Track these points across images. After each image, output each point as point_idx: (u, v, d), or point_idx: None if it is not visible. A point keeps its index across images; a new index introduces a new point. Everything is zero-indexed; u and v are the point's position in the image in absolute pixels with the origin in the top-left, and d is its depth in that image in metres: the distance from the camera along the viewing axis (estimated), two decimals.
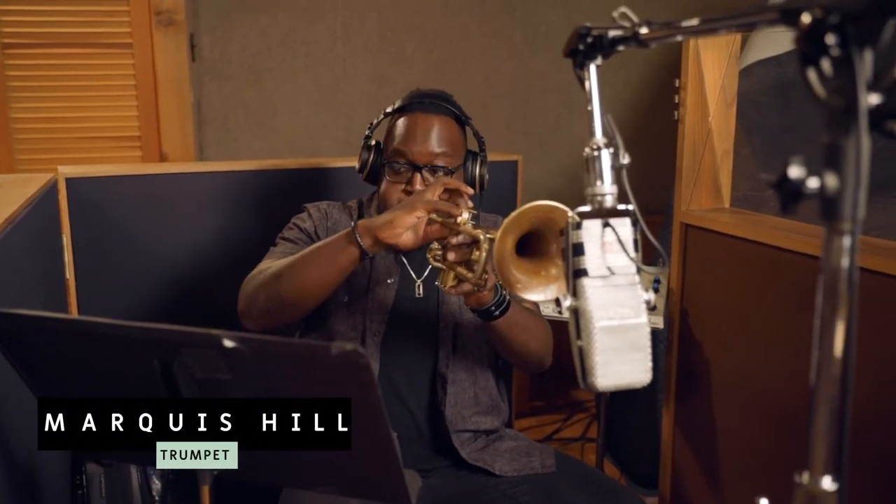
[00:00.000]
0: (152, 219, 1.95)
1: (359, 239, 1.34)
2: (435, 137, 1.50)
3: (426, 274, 1.56)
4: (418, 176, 1.48)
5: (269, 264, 1.47)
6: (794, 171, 0.55)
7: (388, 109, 1.57)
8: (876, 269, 1.26)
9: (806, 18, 0.55)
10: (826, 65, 0.56)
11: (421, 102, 1.53)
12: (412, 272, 1.57)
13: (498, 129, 3.17)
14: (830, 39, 0.54)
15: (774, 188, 0.56)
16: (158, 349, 0.84)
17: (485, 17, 3.11)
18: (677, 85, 1.69)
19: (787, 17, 0.59)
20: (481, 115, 3.21)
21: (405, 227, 1.31)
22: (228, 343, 0.78)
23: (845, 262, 0.57)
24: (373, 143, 1.58)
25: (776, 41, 2.16)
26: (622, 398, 2.04)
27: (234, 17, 2.88)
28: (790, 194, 0.56)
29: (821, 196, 0.56)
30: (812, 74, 0.57)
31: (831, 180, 0.55)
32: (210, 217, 2.00)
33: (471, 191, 1.36)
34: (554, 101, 3.24)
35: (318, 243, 1.42)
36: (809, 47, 0.56)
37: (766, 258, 1.50)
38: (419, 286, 1.56)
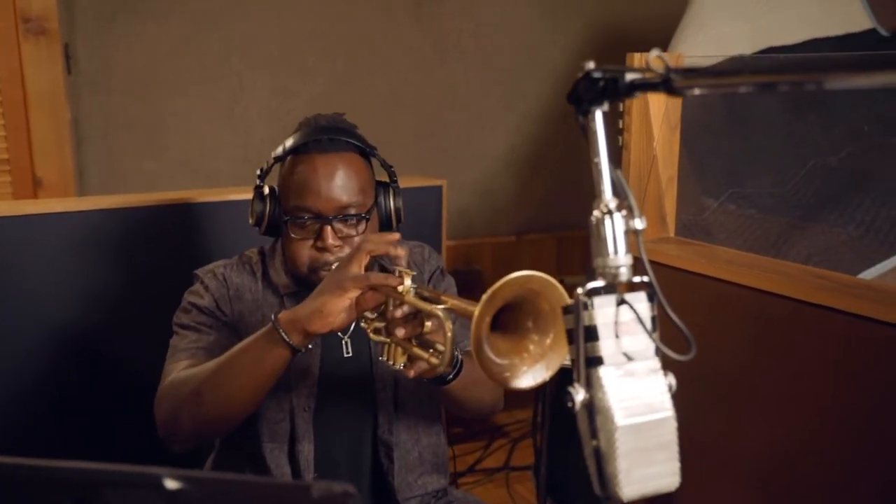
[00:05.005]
0: (22, 266, 1.67)
1: (285, 337, 1.13)
2: (340, 182, 1.27)
3: (352, 328, 1.35)
4: (328, 229, 1.27)
5: (180, 370, 1.25)
6: None
7: (279, 151, 1.32)
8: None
9: None
10: None
11: (318, 141, 1.29)
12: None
13: (406, 144, 3.01)
14: None
15: None
16: (71, 490, 0.64)
17: (391, 26, 2.94)
18: (621, 109, 1.59)
19: None
20: (388, 130, 3.03)
21: (338, 313, 1.11)
22: (171, 484, 0.60)
23: None
24: (266, 191, 1.33)
25: (711, 61, 2.11)
26: (562, 431, 1.92)
27: (117, 24, 2.58)
28: None
29: None
30: None
31: None
32: (94, 260, 1.74)
33: (402, 252, 1.14)
34: (465, 115, 3.10)
35: (236, 348, 1.19)
36: None
37: (718, 293, 1.43)
38: (346, 343, 1.37)
